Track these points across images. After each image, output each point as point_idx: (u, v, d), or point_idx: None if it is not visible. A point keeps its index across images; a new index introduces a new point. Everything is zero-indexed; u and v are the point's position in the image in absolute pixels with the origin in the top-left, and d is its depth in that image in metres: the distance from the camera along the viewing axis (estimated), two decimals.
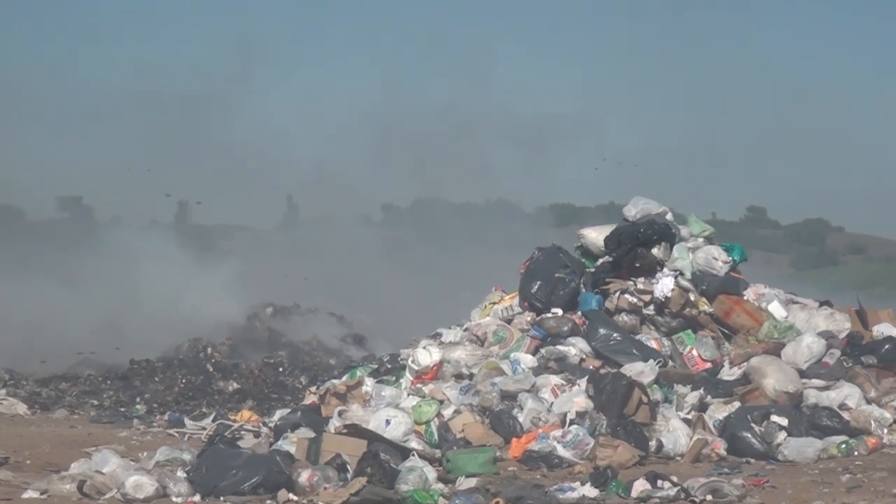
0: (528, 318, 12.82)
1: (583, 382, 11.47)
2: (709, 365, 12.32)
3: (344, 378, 12.64)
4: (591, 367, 11.99)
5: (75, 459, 10.34)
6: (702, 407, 11.59)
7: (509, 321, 12.92)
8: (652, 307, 12.68)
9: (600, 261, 13.27)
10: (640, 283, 12.76)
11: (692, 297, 12.67)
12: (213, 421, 13.41)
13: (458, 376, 12.05)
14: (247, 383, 17.00)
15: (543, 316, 12.71)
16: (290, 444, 10.68)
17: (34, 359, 18.27)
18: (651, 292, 12.65)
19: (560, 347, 12.29)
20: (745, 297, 12.93)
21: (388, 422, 11.14)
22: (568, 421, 11.01)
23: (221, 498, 9.46)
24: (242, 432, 12.14)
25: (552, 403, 11.34)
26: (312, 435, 10.88)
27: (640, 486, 9.42)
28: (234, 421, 13.12)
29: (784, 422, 11.14)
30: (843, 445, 11.03)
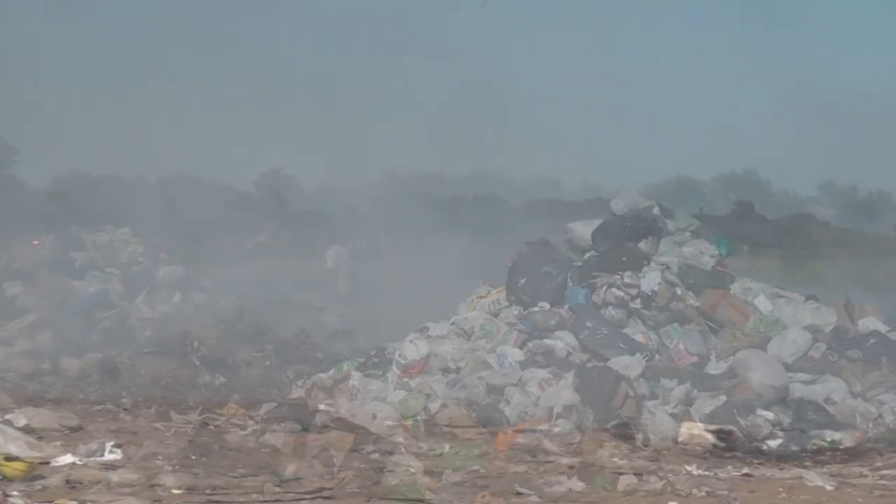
0: (516, 312, 12.83)
1: (569, 376, 11.49)
2: (695, 359, 12.34)
3: (331, 372, 12.64)
4: (577, 360, 12.01)
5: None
6: (688, 401, 11.61)
7: (496, 315, 12.93)
8: (639, 301, 12.71)
9: (587, 255, 13.29)
10: (627, 277, 12.79)
11: (679, 291, 12.70)
12: (200, 414, 13.38)
13: (445, 370, 12.06)
14: (234, 377, 16.96)
15: (530, 310, 12.72)
16: (277, 437, 10.68)
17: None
18: (638, 286, 12.68)
19: (547, 341, 12.30)
20: (731, 291, 12.96)
21: (374, 416, 11.14)
22: (555, 414, 11.02)
23: (208, 490, 9.45)
24: (229, 426, 12.11)
25: (539, 397, 11.36)
26: (299, 429, 10.88)
27: (626, 479, 9.43)
28: (221, 414, 13.10)
29: (770, 415, 11.17)
30: (829, 439, 11.05)
